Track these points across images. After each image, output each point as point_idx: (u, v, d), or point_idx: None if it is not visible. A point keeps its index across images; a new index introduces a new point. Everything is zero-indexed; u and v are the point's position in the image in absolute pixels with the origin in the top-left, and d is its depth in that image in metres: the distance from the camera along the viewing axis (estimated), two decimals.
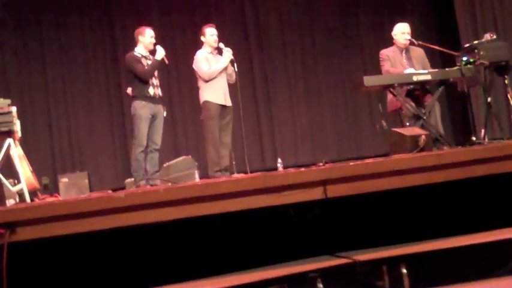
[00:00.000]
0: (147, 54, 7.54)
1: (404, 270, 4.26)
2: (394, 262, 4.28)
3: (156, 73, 7.51)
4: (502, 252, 4.50)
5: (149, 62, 7.46)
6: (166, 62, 7.59)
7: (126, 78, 8.03)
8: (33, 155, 9.09)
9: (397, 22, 7.78)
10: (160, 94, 7.54)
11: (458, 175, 4.66)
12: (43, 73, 10.72)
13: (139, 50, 7.53)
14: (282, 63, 11.74)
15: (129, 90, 7.53)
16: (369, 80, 7.03)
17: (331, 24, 11.92)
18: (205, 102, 7.54)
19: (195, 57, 7.68)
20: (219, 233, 4.36)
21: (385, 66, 7.52)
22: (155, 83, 7.48)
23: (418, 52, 7.67)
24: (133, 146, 7.44)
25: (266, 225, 4.45)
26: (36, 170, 7.02)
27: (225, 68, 7.65)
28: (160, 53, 7.50)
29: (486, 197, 4.88)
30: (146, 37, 7.53)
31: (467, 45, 7.65)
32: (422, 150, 6.10)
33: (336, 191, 4.34)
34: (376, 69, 7.80)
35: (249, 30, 11.65)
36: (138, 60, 7.42)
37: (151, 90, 7.39)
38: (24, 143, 7.05)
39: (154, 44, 7.55)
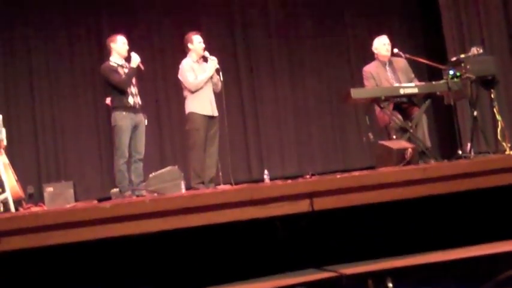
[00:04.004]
0: (123, 62, 7.45)
1: (390, 284, 4.26)
2: (380, 276, 4.28)
3: (134, 81, 7.44)
4: (486, 267, 4.51)
5: (126, 71, 7.36)
6: (142, 68, 7.46)
7: (103, 89, 7.95)
8: (19, 163, 9.04)
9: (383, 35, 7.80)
10: (140, 103, 7.46)
11: (444, 189, 4.67)
12: (29, 81, 10.67)
13: (115, 59, 7.42)
14: (269, 74, 11.73)
15: (108, 100, 7.45)
16: (356, 93, 7.05)
17: (319, 36, 11.93)
18: (191, 113, 7.50)
19: (180, 67, 7.63)
20: (205, 245, 4.34)
21: (369, 86, 7.49)
22: (134, 92, 7.39)
23: (401, 63, 7.69)
24: (115, 158, 7.37)
25: (252, 238, 4.43)
26: (21, 179, 6.98)
27: (211, 77, 7.62)
28: (135, 59, 7.39)
29: (472, 211, 4.89)
30: (118, 44, 7.42)
31: (453, 58, 7.68)
32: (408, 163, 6.11)
33: (322, 203, 4.33)
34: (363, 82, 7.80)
35: (237, 40, 11.62)
36: (114, 69, 7.31)
37: (130, 100, 7.30)
38: (9, 152, 7.00)
39: (129, 51, 7.49)
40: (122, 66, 7.39)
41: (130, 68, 7.34)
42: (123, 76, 7.28)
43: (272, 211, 4.22)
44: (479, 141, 8.04)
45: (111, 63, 7.36)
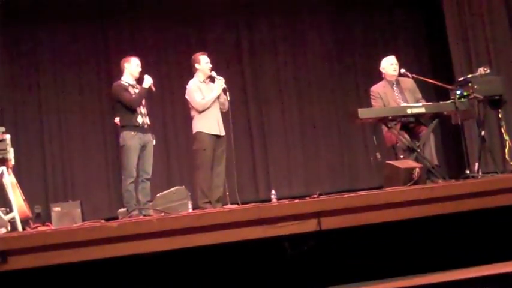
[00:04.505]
0: (134, 82, 7.50)
1: None
2: None
3: (143, 102, 7.47)
4: (498, 286, 4.48)
5: (136, 91, 7.40)
6: (153, 89, 7.52)
7: (113, 107, 7.99)
8: (26, 183, 9.04)
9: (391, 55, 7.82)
10: (149, 123, 7.48)
11: (451, 208, 4.65)
12: (37, 101, 10.74)
13: (126, 79, 7.47)
14: (276, 94, 11.74)
15: (117, 119, 7.49)
16: (363, 113, 7.03)
17: (326, 56, 11.95)
18: (198, 133, 7.51)
19: (187, 87, 7.64)
20: (212, 264, 4.33)
21: (376, 106, 7.49)
22: (143, 112, 7.42)
23: (408, 83, 7.69)
24: (122, 177, 7.38)
25: (259, 257, 4.42)
26: (29, 199, 6.98)
27: (218, 97, 7.63)
28: (148, 81, 7.44)
29: (479, 231, 4.87)
30: (132, 64, 7.48)
31: (461, 79, 7.67)
32: (416, 183, 6.09)
33: (330, 223, 4.32)
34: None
35: (244, 60, 11.66)
36: (125, 88, 7.36)
37: (139, 119, 7.33)
38: (17, 171, 7.01)
39: (141, 73, 7.53)
40: (132, 86, 7.44)
41: (142, 88, 7.39)
42: (134, 95, 7.31)
43: (280, 231, 4.21)
44: (487, 161, 8.02)
45: (122, 82, 7.42)
